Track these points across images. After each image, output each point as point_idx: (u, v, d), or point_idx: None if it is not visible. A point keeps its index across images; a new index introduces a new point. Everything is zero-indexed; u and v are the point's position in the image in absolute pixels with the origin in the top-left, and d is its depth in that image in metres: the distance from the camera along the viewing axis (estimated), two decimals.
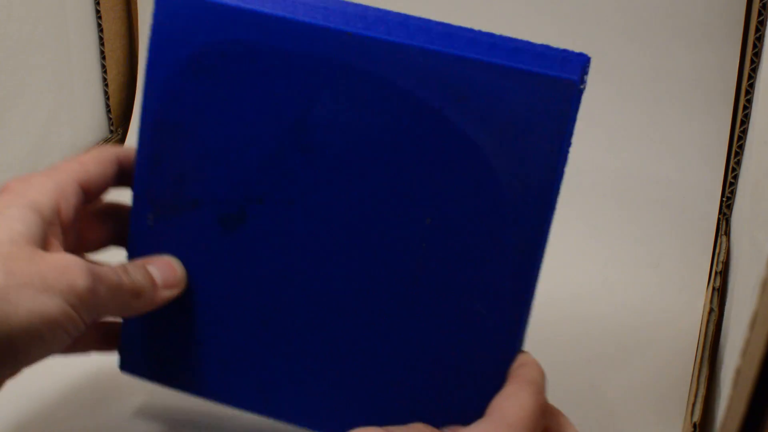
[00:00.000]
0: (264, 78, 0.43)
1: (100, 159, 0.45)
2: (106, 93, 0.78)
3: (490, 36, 0.40)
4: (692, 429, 0.46)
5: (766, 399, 0.30)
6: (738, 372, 0.32)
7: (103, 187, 0.45)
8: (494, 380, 0.41)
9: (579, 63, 0.39)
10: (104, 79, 0.78)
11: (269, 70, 0.42)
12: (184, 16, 0.43)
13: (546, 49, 0.40)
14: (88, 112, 0.77)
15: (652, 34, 0.68)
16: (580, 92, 0.39)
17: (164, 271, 0.44)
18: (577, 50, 0.43)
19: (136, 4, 0.79)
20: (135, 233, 0.46)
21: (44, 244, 0.40)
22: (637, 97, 0.69)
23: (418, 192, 0.42)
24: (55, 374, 0.52)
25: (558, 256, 0.66)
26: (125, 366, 0.48)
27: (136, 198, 0.46)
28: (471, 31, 0.41)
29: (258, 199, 0.44)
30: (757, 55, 0.61)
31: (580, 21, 0.69)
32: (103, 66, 0.77)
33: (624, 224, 0.68)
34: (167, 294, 0.44)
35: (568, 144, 0.40)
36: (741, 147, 0.63)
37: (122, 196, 0.48)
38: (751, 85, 0.62)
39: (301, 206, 0.43)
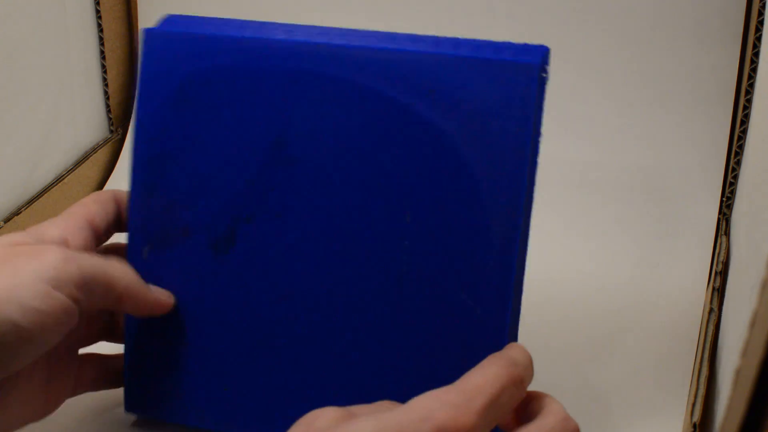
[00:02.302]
0: (244, 99, 0.45)
1: (99, 199, 0.47)
2: (106, 93, 0.78)
3: (453, 38, 0.43)
4: (692, 429, 0.46)
5: (766, 399, 0.30)
6: (738, 372, 0.32)
7: (107, 225, 0.47)
8: None
9: (539, 52, 0.42)
10: (104, 79, 0.78)
11: (248, 91, 0.45)
12: (170, 51, 0.46)
13: (507, 44, 0.42)
14: (88, 112, 0.77)
15: (652, 34, 0.68)
16: (544, 80, 0.42)
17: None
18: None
19: (136, 4, 0.79)
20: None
21: None
22: (637, 97, 0.69)
23: (397, 190, 0.43)
24: None
25: (558, 257, 0.66)
26: (131, 406, 0.49)
27: (131, 234, 0.47)
28: (434, 36, 0.43)
29: (246, 218, 0.45)
30: (757, 55, 0.61)
31: (579, 21, 0.69)
32: (103, 66, 0.77)
33: (624, 224, 0.68)
34: (159, 296, 0.45)
35: (538, 130, 0.42)
36: (741, 147, 0.63)
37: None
38: (751, 85, 0.61)
39: (288, 218, 0.45)
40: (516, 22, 0.71)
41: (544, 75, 0.42)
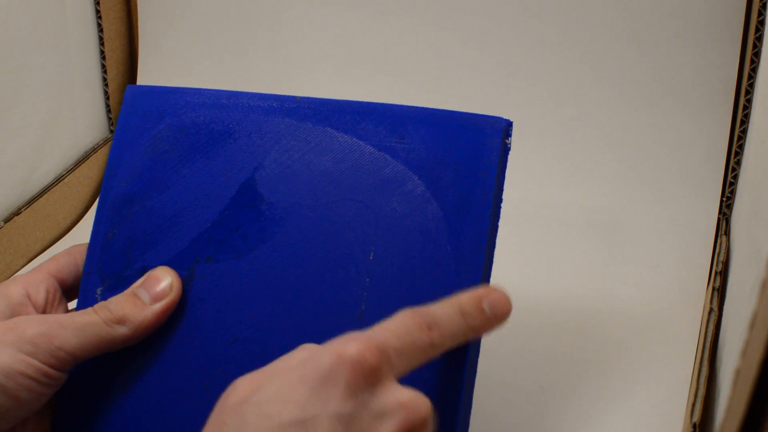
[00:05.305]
0: (217, 145, 0.46)
1: (70, 251, 0.48)
2: (106, 93, 0.78)
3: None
4: (692, 429, 0.46)
5: (766, 399, 0.30)
6: (738, 372, 0.32)
7: (77, 276, 0.47)
8: (449, 414, 0.41)
9: (504, 120, 0.44)
10: (104, 79, 0.78)
11: (222, 137, 0.46)
12: (150, 104, 0.48)
13: (474, 113, 0.44)
14: (88, 112, 0.77)
15: (652, 35, 0.68)
16: (507, 148, 0.43)
17: (150, 286, 0.45)
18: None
19: (136, 4, 0.79)
20: (81, 308, 0.45)
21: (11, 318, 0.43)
22: (637, 97, 0.69)
23: (362, 228, 0.44)
24: None
25: (559, 257, 0.66)
26: None
27: (86, 274, 0.46)
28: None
29: (207, 258, 0.45)
30: (757, 55, 0.61)
31: (580, 22, 0.69)
32: (103, 66, 0.77)
33: (624, 224, 0.68)
34: (159, 307, 0.44)
35: (500, 196, 0.43)
36: (741, 147, 0.63)
37: None
38: (751, 85, 0.62)
39: (248, 258, 0.44)
40: (514, 22, 0.71)
41: (508, 142, 0.44)
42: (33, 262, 0.68)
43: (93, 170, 0.76)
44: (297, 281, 0.44)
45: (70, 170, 0.73)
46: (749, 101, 0.62)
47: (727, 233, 0.63)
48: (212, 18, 0.78)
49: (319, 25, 0.76)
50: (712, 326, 0.54)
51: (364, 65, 0.75)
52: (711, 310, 0.56)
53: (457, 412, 0.41)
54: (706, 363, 0.51)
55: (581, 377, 0.55)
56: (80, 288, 0.46)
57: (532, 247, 0.67)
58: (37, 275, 0.46)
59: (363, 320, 0.43)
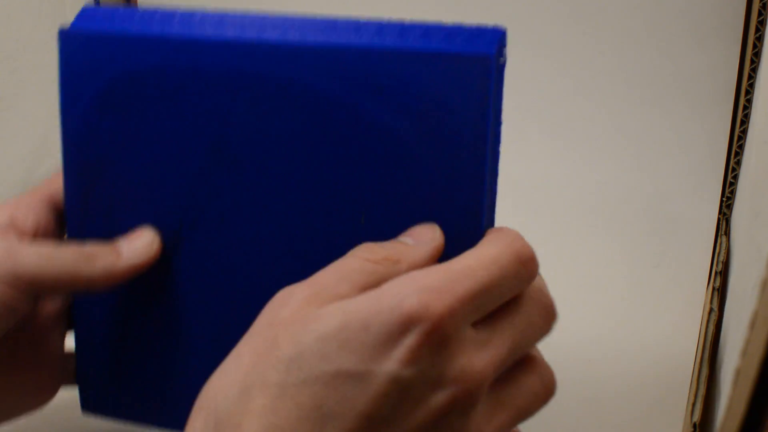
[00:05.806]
0: (177, 101, 0.42)
1: None
2: None
3: (398, 24, 0.39)
4: (692, 429, 0.46)
5: (766, 399, 0.30)
6: (738, 372, 0.32)
7: None
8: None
9: (494, 37, 0.37)
10: None
11: (181, 92, 0.42)
12: (90, 52, 0.43)
13: (458, 28, 0.38)
14: None
15: (652, 35, 0.68)
16: (502, 67, 0.38)
17: (131, 240, 0.42)
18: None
19: (136, 4, 0.79)
20: None
21: None
22: (637, 97, 0.69)
23: (348, 191, 0.40)
24: None
25: (558, 257, 0.66)
26: (87, 406, 0.46)
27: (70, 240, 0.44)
28: (378, 22, 0.39)
29: (190, 224, 0.43)
30: (757, 55, 0.61)
31: (580, 21, 0.69)
32: None
33: (624, 224, 0.68)
34: (136, 260, 0.42)
35: (498, 120, 0.38)
36: (741, 147, 0.63)
37: None
38: (751, 85, 0.61)
39: (233, 223, 0.42)
40: (514, 22, 0.71)
41: (502, 60, 0.38)
42: None
43: None
44: (285, 252, 0.41)
45: None
46: (749, 101, 0.62)
47: (727, 233, 0.63)
48: None
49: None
50: (712, 326, 0.54)
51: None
52: (711, 310, 0.55)
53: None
54: (706, 363, 0.51)
55: (580, 377, 0.55)
56: None
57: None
58: (28, 198, 0.43)
59: None
